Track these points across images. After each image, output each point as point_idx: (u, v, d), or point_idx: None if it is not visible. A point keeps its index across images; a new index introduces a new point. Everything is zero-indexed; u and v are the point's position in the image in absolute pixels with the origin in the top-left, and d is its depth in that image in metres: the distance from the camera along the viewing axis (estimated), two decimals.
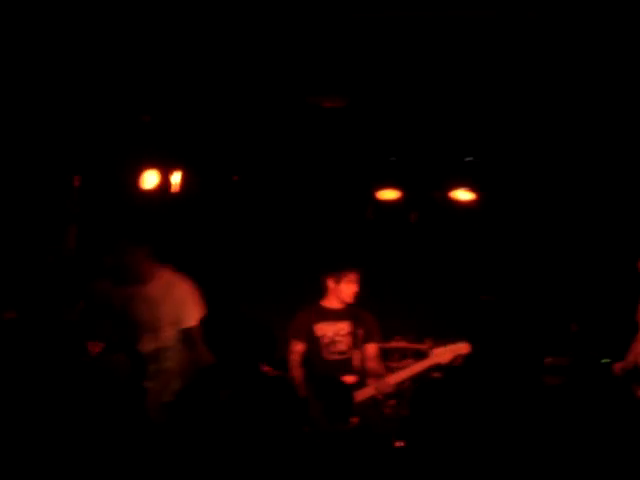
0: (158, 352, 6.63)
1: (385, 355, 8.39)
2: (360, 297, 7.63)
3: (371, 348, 7.63)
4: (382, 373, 7.58)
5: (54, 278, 8.47)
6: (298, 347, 7.53)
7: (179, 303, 6.74)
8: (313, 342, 7.53)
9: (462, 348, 7.55)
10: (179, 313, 6.72)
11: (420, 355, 8.62)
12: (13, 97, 7.79)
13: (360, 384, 7.38)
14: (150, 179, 8.81)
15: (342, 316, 7.61)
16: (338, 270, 7.64)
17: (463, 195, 9.56)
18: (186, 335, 6.65)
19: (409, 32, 7.22)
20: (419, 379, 7.62)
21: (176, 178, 8.92)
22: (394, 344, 8.98)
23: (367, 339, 7.60)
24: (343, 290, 7.60)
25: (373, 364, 7.59)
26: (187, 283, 6.83)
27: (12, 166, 8.35)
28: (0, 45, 7.15)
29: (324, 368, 7.38)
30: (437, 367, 7.54)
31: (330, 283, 7.63)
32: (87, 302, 7.07)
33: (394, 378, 7.52)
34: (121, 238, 6.81)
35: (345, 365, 7.48)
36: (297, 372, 7.42)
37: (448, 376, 7.53)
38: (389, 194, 9.61)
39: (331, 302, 7.62)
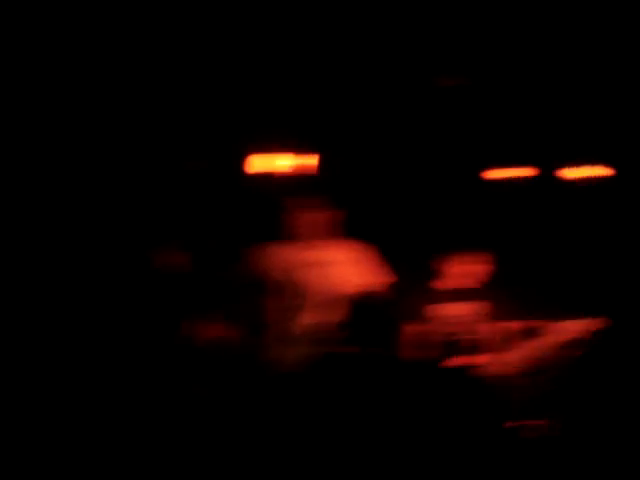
0: None
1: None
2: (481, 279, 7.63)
3: (495, 325, 7.55)
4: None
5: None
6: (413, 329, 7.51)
7: None
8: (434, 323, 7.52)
9: (591, 325, 7.34)
10: None
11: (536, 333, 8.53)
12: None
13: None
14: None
15: (465, 295, 7.60)
16: (457, 250, 7.64)
17: (589, 172, 9.43)
18: None
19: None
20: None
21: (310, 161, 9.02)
22: (516, 324, 8.91)
23: (492, 316, 7.54)
24: (460, 271, 7.60)
25: (496, 341, 7.51)
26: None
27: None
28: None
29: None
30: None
31: (448, 264, 7.64)
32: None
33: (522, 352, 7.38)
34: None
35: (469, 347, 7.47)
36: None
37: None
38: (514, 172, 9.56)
39: (446, 282, 7.62)
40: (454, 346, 7.36)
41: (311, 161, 9.09)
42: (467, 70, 8.28)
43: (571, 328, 7.41)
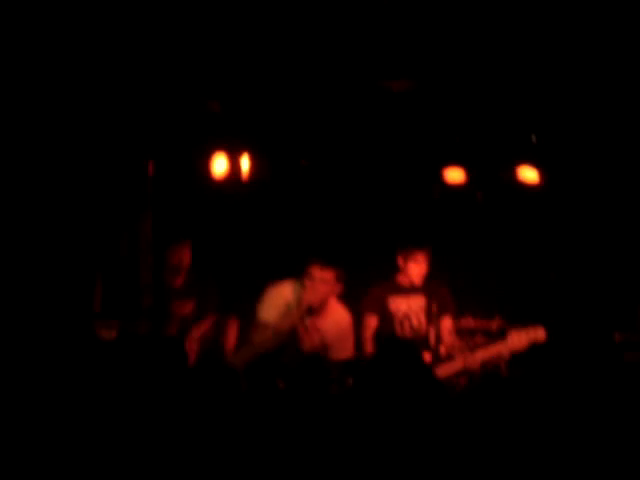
0: None
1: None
2: (429, 276, 7.71)
3: (446, 321, 7.67)
4: (459, 348, 7.58)
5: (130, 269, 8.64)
6: (372, 322, 7.60)
7: None
8: (386, 317, 7.58)
9: (539, 335, 7.47)
10: None
11: (489, 334, 8.65)
12: (86, 84, 7.94)
13: (436, 359, 7.43)
14: (220, 165, 8.91)
15: (416, 290, 7.67)
16: (407, 249, 7.72)
17: (529, 174, 9.57)
18: None
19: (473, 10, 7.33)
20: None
21: (245, 164, 9.02)
22: (463, 323, 9.00)
23: (441, 312, 7.64)
24: (411, 269, 7.69)
25: (450, 338, 7.61)
26: None
27: (86, 156, 8.50)
28: (66, 28, 7.34)
29: None
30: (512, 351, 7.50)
31: (400, 261, 7.73)
32: None
33: (482, 355, 7.47)
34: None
35: (419, 343, 7.55)
36: (370, 349, 7.51)
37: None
38: (455, 174, 9.65)
39: (404, 279, 7.71)
40: (407, 342, 7.44)
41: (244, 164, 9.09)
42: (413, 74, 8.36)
43: (518, 337, 7.51)
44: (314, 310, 7.24)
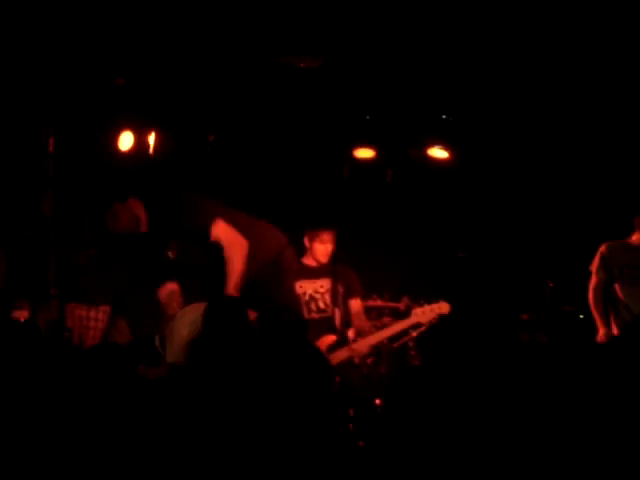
0: None
1: None
2: (336, 256, 7.67)
3: (354, 304, 7.64)
4: (368, 330, 7.57)
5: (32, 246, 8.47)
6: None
7: None
8: (294, 300, 7.52)
9: (442, 308, 7.56)
10: None
11: (397, 314, 8.66)
12: None
13: (340, 343, 7.41)
14: (126, 141, 8.76)
15: (321, 273, 7.64)
16: (312, 228, 7.67)
17: (438, 153, 9.57)
18: None
19: None
20: (396, 337, 7.67)
21: (151, 139, 8.89)
22: (371, 302, 8.99)
23: (349, 295, 7.62)
24: (317, 249, 7.63)
25: (359, 320, 7.61)
26: None
27: None
28: None
29: None
30: (416, 326, 7.57)
31: (306, 241, 7.66)
32: None
33: (371, 340, 7.51)
34: None
35: (325, 324, 7.52)
36: None
37: (426, 333, 7.60)
38: (365, 152, 9.62)
39: (310, 260, 7.65)
40: (315, 324, 7.41)
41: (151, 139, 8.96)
42: (319, 51, 8.28)
43: (422, 312, 7.54)
44: None
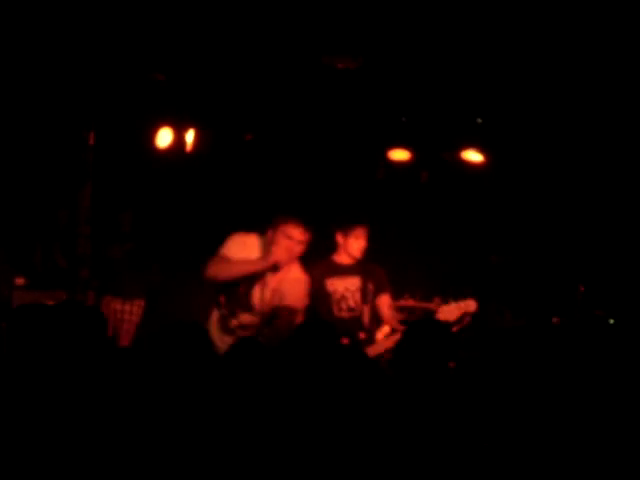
0: None
1: None
2: (369, 255, 7.72)
3: (384, 298, 7.67)
4: (396, 326, 7.56)
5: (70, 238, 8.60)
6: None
7: None
8: (324, 298, 7.58)
9: (469, 305, 7.55)
10: None
11: (428, 314, 8.68)
12: (28, 54, 7.86)
13: (369, 340, 7.45)
14: (164, 137, 8.86)
15: (352, 271, 7.67)
16: (346, 225, 7.71)
17: (473, 156, 9.61)
18: None
19: None
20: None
21: (190, 137, 8.99)
22: (403, 302, 9.02)
23: (378, 291, 7.65)
24: (351, 245, 7.66)
25: (390, 312, 7.62)
26: None
27: (26, 125, 8.43)
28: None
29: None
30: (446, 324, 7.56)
31: (339, 238, 7.70)
32: None
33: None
34: None
35: (355, 322, 7.57)
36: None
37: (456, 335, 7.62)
38: (400, 154, 9.67)
39: (341, 257, 7.68)
40: (345, 323, 7.47)
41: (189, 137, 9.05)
42: (358, 52, 8.35)
43: (448, 310, 7.56)
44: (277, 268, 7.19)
